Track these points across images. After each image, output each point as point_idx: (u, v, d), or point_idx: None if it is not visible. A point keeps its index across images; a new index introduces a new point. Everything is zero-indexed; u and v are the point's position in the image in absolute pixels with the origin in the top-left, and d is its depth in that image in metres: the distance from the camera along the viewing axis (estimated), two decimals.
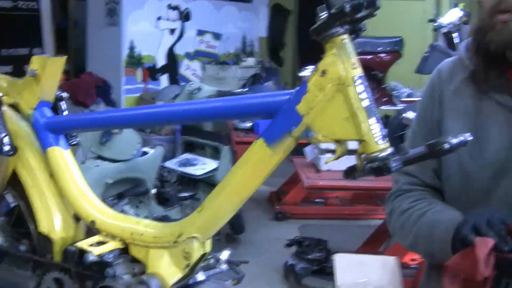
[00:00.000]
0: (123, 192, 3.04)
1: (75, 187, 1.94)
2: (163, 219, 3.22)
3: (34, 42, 7.22)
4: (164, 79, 6.77)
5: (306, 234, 3.73)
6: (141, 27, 6.30)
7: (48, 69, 1.99)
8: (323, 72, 1.37)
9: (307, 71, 6.03)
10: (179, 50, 6.94)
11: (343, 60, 1.34)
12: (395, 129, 4.07)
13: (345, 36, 1.34)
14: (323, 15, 1.32)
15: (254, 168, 1.52)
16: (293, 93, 1.44)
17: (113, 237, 1.82)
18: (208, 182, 3.53)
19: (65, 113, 2.12)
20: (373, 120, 1.32)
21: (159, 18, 6.56)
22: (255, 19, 7.89)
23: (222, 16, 7.36)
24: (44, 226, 1.97)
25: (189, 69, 7.07)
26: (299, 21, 8.12)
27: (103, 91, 5.52)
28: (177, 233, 1.67)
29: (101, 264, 1.77)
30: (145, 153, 3.20)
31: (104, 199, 2.84)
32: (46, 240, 1.96)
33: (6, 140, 1.96)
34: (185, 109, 1.77)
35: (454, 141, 1.19)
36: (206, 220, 1.64)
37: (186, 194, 3.50)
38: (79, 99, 5.23)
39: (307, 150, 3.95)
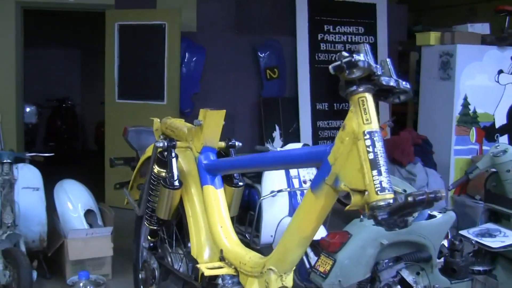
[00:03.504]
0: (402, 256, 2.83)
1: (219, 220, 2.28)
2: None
3: None
4: (503, 141, 6.05)
5: None
6: (477, 81, 5.85)
7: (209, 120, 2.39)
8: (343, 127, 1.56)
9: None
10: None
11: (357, 116, 1.51)
12: None
13: (363, 94, 1.51)
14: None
15: (304, 211, 1.78)
16: (329, 145, 1.64)
17: (231, 264, 2.15)
18: (508, 257, 3.06)
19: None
20: (375, 172, 1.46)
21: (500, 72, 5.98)
22: None
23: None
24: (194, 251, 2.35)
25: None
26: None
27: (422, 150, 5.16)
28: (263, 265, 1.96)
29: (214, 285, 2.15)
30: (432, 216, 2.91)
31: (378, 260, 2.76)
32: (194, 262, 2.35)
33: (175, 177, 2.37)
34: (255, 158, 2.21)
35: (417, 196, 1.39)
36: (278, 255, 1.92)
37: (480, 268, 3.11)
38: (395, 157, 4.99)
39: None
